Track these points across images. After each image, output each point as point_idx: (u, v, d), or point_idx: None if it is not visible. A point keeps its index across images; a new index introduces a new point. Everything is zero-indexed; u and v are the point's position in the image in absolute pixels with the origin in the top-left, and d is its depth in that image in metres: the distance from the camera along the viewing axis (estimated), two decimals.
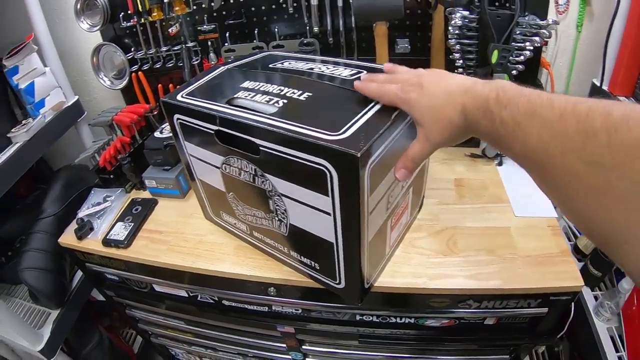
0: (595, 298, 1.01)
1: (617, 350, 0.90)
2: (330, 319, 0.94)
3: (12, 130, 1.07)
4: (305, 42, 1.03)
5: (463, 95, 0.50)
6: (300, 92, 0.66)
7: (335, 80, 0.70)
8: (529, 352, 1.06)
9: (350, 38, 1.02)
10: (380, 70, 0.69)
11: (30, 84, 1.10)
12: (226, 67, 0.83)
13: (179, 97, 0.72)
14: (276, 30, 1.05)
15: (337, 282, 0.74)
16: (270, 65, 0.81)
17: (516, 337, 0.91)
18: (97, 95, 1.39)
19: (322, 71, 0.74)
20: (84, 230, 1.02)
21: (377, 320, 0.92)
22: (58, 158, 1.46)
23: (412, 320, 0.90)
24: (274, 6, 1.02)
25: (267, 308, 0.97)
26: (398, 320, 0.91)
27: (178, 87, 0.74)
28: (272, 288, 0.88)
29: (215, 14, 1.06)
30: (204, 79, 0.79)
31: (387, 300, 0.83)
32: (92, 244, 1.00)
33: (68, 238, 1.03)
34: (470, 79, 0.52)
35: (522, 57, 0.90)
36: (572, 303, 0.81)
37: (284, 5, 1.00)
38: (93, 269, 1.08)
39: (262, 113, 0.63)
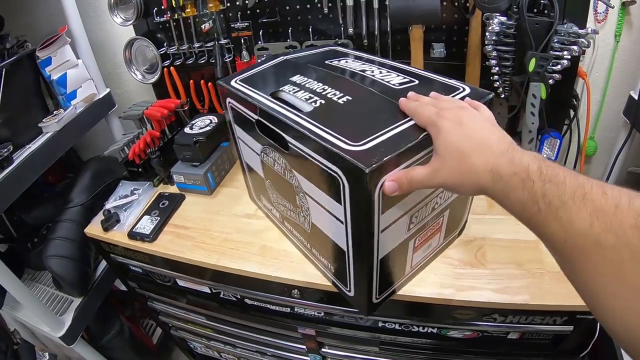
0: None
1: None
2: (351, 323, 0.96)
3: (44, 120, 1.12)
4: (339, 43, 1.04)
5: (499, 156, 0.47)
6: (341, 94, 0.68)
7: (380, 87, 0.70)
8: None
9: (385, 41, 1.02)
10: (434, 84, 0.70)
11: (62, 75, 1.14)
12: (285, 57, 0.87)
13: (232, 82, 0.78)
14: (310, 29, 1.06)
15: (348, 289, 0.75)
16: (326, 62, 0.83)
17: (538, 353, 0.91)
18: (128, 88, 1.43)
19: (373, 75, 0.75)
20: (110, 221, 1.06)
21: (399, 328, 0.93)
22: (88, 149, 1.51)
23: (435, 330, 0.91)
24: (308, 5, 1.03)
25: (289, 309, 0.99)
26: (420, 329, 0.92)
27: (235, 72, 0.82)
28: (296, 290, 0.90)
29: (249, 12, 1.08)
30: (261, 66, 0.84)
31: (411, 308, 0.84)
32: (118, 236, 1.04)
33: (94, 228, 1.07)
34: (509, 140, 0.49)
35: (559, 66, 0.89)
36: (598, 323, 0.81)
37: (319, 5, 1.02)
38: (117, 260, 1.12)
39: (298, 111, 0.65)
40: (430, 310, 0.83)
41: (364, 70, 0.77)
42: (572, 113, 1.05)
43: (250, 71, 0.83)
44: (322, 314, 0.96)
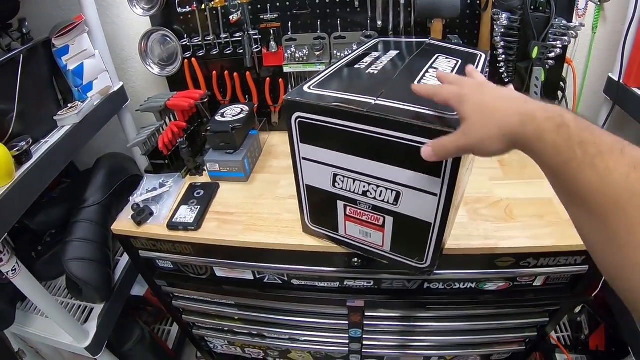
0: None
1: None
2: (399, 289, 1.15)
3: (60, 112, 1.17)
4: (367, 34, 1.25)
5: (530, 103, 0.52)
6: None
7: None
8: (565, 314, 1.34)
9: (408, 33, 1.26)
10: None
11: (79, 66, 1.21)
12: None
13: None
14: (338, 22, 1.26)
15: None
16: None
17: (559, 296, 1.18)
18: (135, 83, 1.52)
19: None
20: (143, 215, 1.14)
21: (442, 287, 1.15)
22: (83, 151, 1.53)
23: (473, 285, 1.14)
24: (338, 0, 1.24)
25: (338, 283, 1.17)
26: (461, 285, 1.14)
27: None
28: (356, 259, 1.07)
29: (278, 4, 1.26)
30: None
31: (463, 261, 1.06)
32: (154, 228, 1.13)
33: (123, 224, 1.15)
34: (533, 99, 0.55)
35: (553, 54, 1.19)
36: None
37: (349, 0, 1.23)
38: (146, 256, 1.19)
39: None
40: (476, 261, 1.06)
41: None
42: (560, 94, 1.37)
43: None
44: (372, 283, 1.15)
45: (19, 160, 1.04)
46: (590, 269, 1.08)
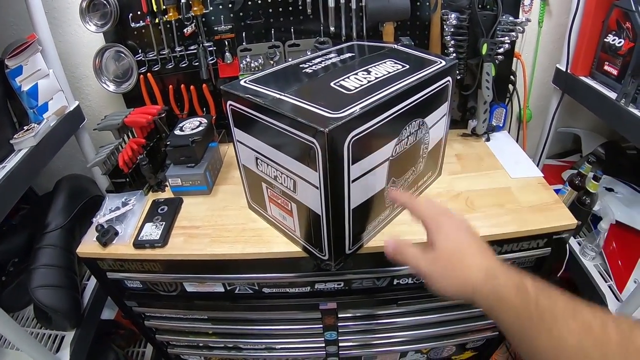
0: (579, 244, 1.42)
1: (605, 281, 1.31)
2: (369, 287, 1.21)
3: (16, 136, 1.16)
4: (320, 40, 1.31)
5: (495, 261, 0.56)
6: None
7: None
8: None
9: (360, 36, 1.32)
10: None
11: (34, 86, 1.20)
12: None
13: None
14: (292, 29, 1.32)
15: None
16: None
17: None
18: (91, 102, 1.53)
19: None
20: (108, 235, 1.14)
21: (412, 282, 1.21)
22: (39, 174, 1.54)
23: None
24: (291, 8, 1.29)
25: (309, 287, 1.21)
26: None
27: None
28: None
29: (232, 15, 1.30)
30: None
31: None
32: (121, 248, 1.14)
33: (88, 247, 1.15)
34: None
35: (502, 49, 1.28)
36: (567, 245, 1.19)
37: (301, 8, 1.28)
38: (113, 278, 1.20)
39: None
40: None
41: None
42: (511, 87, 1.47)
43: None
44: (342, 285, 1.20)
45: None
46: (552, 251, 1.16)
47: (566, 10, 1.35)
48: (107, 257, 1.16)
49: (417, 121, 1.00)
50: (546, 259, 1.20)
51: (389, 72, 0.98)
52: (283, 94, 0.90)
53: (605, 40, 1.25)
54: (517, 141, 1.57)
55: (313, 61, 1.08)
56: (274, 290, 1.23)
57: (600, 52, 1.28)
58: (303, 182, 0.89)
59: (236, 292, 1.23)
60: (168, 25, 1.31)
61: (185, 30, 1.28)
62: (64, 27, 1.38)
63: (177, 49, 1.33)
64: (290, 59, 1.36)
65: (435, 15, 1.30)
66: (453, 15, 1.25)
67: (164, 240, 1.13)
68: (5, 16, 1.32)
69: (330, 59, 1.09)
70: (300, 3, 1.28)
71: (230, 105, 0.98)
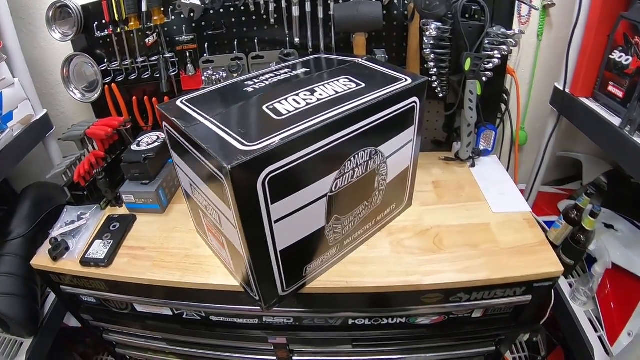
0: (570, 285, 1.10)
1: (596, 331, 0.99)
2: (322, 325, 0.97)
3: None
4: (285, 52, 1.07)
5: None
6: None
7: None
8: (512, 342, 1.13)
9: (329, 48, 1.07)
10: None
11: None
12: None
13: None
14: (256, 41, 1.08)
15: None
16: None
17: (502, 327, 0.98)
18: (65, 109, 1.35)
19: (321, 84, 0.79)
20: (58, 250, 0.99)
21: (369, 323, 0.95)
22: (21, 177, 1.40)
23: (404, 320, 0.95)
24: (254, 17, 1.05)
25: (257, 320, 0.99)
26: (390, 320, 0.95)
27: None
28: None
29: (194, 25, 1.08)
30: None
31: (380, 300, 0.88)
32: (69, 264, 0.98)
33: (41, 259, 1.00)
34: None
35: (491, 65, 0.98)
36: (553, 289, 0.89)
37: (265, 17, 1.04)
38: (68, 291, 1.05)
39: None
40: (399, 298, 0.87)
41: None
42: (503, 107, 1.15)
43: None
44: (292, 320, 0.97)
45: None
46: (533, 298, 0.88)
47: (569, 23, 1.01)
48: (57, 272, 0.99)
49: (367, 150, 0.75)
50: (526, 306, 0.91)
51: (337, 93, 0.74)
52: (207, 117, 0.70)
53: (610, 57, 0.93)
54: (508, 166, 1.25)
55: (260, 78, 0.84)
56: (222, 319, 1.01)
57: (605, 71, 0.95)
58: (224, 217, 0.69)
59: (184, 316, 1.03)
60: (131, 35, 1.10)
61: (147, 40, 1.07)
62: (37, 34, 1.21)
63: (139, 59, 1.12)
64: (254, 71, 1.11)
65: (412, 25, 1.02)
66: (433, 26, 0.97)
67: (108, 259, 0.96)
68: None
69: (281, 75, 0.85)
70: (263, 12, 1.03)
71: (165, 126, 0.78)
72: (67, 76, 1.17)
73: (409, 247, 0.90)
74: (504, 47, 0.97)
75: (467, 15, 1.00)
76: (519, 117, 1.17)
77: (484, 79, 1.00)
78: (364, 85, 0.76)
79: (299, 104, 0.70)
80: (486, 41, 0.97)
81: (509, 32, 0.96)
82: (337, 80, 0.78)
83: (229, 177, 0.57)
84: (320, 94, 0.73)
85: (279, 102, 0.71)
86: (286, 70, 0.87)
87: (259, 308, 0.83)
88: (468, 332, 0.99)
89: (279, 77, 0.83)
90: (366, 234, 0.91)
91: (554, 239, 1.11)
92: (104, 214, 1.09)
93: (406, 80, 0.77)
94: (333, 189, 0.72)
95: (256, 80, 0.83)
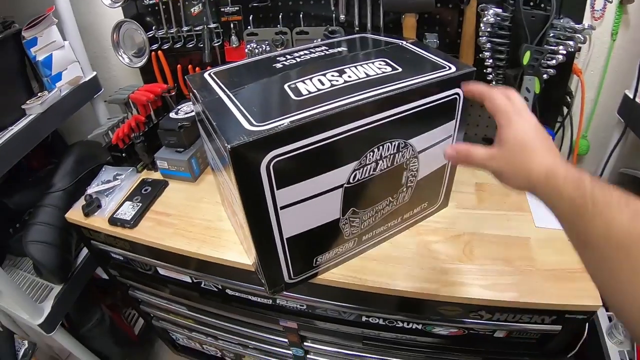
0: (610, 319, 0.95)
1: None
2: (335, 317, 0.91)
3: (27, 102, 1.05)
4: (330, 29, 0.99)
5: (557, 159, 0.49)
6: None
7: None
8: None
9: (376, 28, 0.97)
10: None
11: (48, 57, 1.07)
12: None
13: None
14: (301, 15, 1.01)
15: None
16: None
17: (525, 353, 0.87)
18: (116, 72, 1.37)
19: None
20: (91, 207, 1.01)
21: (383, 324, 0.88)
22: (73, 133, 1.44)
23: (420, 327, 0.87)
24: None
25: (271, 301, 0.94)
26: (405, 325, 0.87)
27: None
28: None
29: None
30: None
31: (396, 303, 0.80)
32: (99, 221, 0.99)
33: (75, 214, 1.02)
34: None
35: (554, 61, 0.85)
36: (587, 323, 0.77)
37: None
38: (98, 247, 1.06)
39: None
40: (416, 305, 0.79)
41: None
42: (565, 110, 1.01)
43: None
44: (305, 307, 0.92)
45: None
46: (564, 329, 0.76)
47: None
48: (87, 227, 1.01)
49: (394, 142, 0.66)
50: (555, 336, 0.79)
51: (368, 76, 0.65)
52: (227, 91, 0.65)
53: None
54: None
55: (294, 54, 0.77)
56: (237, 294, 0.98)
57: None
58: (234, 196, 0.63)
59: (202, 285, 1.01)
60: (177, 4, 1.07)
61: (192, 9, 1.03)
62: (93, 0, 1.21)
63: (185, 28, 1.09)
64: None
65: (469, 10, 0.90)
66: (491, 12, 0.85)
67: (134, 221, 0.95)
68: None
69: (315, 52, 0.77)
70: None
71: (191, 97, 0.74)
72: (116, 41, 1.17)
73: (435, 252, 0.81)
74: (571, 42, 0.83)
75: (531, 3, 0.87)
76: (581, 124, 1.01)
77: (544, 76, 0.87)
78: (400, 70, 0.67)
79: (323, 84, 0.63)
80: (550, 34, 0.84)
81: (577, 26, 0.82)
82: (372, 63, 0.69)
83: (229, 157, 0.52)
84: (349, 76, 0.65)
85: (303, 81, 0.64)
86: (323, 48, 0.79)
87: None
88: (488, 351, 0.88)
89: (312, 55, 0.76)
90: (390, 230, 0.82)
91: None
92: (139, 177, 1.09)
93: (450, 68, 0.67)
94: (351, 181, 0.65)
95: (289, 57, 0.76)
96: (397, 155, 0.68)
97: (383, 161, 0.67)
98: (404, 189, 0.75)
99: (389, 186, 0.73)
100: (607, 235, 0.40)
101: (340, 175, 0.63)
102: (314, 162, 0.59)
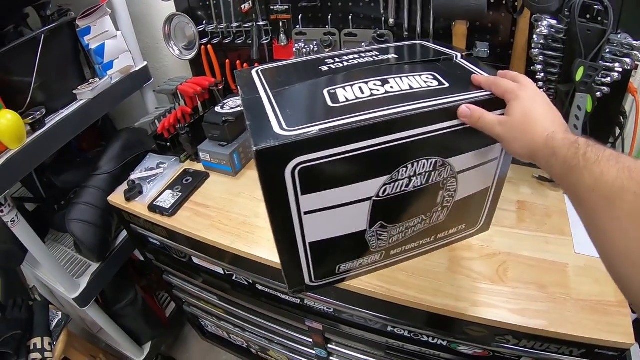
0: None
1: None
2: (360, 324, 0.91)
3: (79, 87, 1.11)
4: (378, 33, 0.97)
5: (558, 126, 0.53)
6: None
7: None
8: None
9: (426, 34, 0.95)
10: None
11: (100, 46, 1.12)
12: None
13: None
14: (350, 17, 1.00)
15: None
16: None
17: None
18: (167, 63, 1.41)
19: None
20: (133, 192, 1.05)
21: (409, 336, 0.87)
22: (123, 119, 1.50)
23: (445, 343, 0.85)
24: None
25: (299, 300, 0.96)
26: (430, 339, 0.86)
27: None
28: None
29: None
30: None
31: (422, 317, 0.78)
32: (139, 207, 1.04)
33: (117, 197, 1.08)
34: (564, 122, 0.56)
35: (608, 79, 0.80)
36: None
37: None
38: (137, 230, 1.11)
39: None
40: (442, 321, 0.77)
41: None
42: (617, 131, 0.95)
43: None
44: (332, 310, 0.92)
45: (33, 128, 1.00)
46: None
47: None
48: (127, 211, 1.07)
49: (431, 160, 0.63)
50: None
51: (411, 89, 0.62)
52: (268, 91, 0.65)
53: None
54: None
55: (343, 57, 0.75)
56: (266, 290, 1.00)
57: None
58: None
59: (233, 278, 1.04)
60: (229, 0, 1.08)
61: (243, 6, 1.04)
62: None
63: (234, 24, 1.10)
64: (345, 49, 1.04)
65: (522, 20, 0.86)
66: (545, 23, 0.81)
67: (172, 210, 0.99)
68: None
69: (364, 57, 0.75)
70: None
71: (238, 91, 0.75)
72: (168, 34, 1.20)
73: (467, 269, 0.79)
74: (628, 60, 0.77)
75: (587, 16, 0.81)
76: (634, 145, 0.95)
77: (597, 94, 0.82)
78: (447, 85, 0.63)
79: (362, 93, 0.61)
80: (607, 49, 0.78)
81: (635, 42, 0.76)
82: (419, 75, 0.66)
83: (255, 159, 0.53)
84: (392, 87, 0.62)
85: (343, 87, 0.63)
86: (374, 53, 0.77)
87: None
88: None
89: (360, 60, 0.74)
90: (422, 248, 0.79)
91: None
92: (181, 167, 1.12)
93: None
94: (380, 195, 0.63)
95: (337, 59, 0.74)
96: (433, 173, 0.65)
97: (417, 178, 0.64)
98: (439, 208, 0.72)
99: (422, 204, 0.70)
100: (594, 187, 0.42)
101: (370, 187, 0.62)
102: (342, 171, 0.58)
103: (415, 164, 0.62)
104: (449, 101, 0.59)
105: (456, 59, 0.74)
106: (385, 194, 0.64)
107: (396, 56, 0.77)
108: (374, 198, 0.63)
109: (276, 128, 0.55)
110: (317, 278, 0.74)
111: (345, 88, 0.63)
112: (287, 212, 0.60)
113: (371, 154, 0.57)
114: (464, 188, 0.71)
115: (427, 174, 0.64)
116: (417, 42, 0.86)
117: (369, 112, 0.56)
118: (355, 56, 0.76)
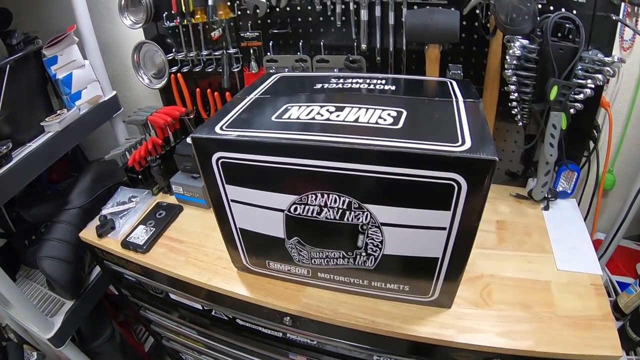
0: None
1: None
2: (345, 354, 0.87)
3: (46, 119, 1.06)
4: (351, 59, 0.96)
5: None
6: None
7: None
8: None
9: (399, 58, 0.94)
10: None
11: (68, 75, 1.08)
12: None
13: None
14: (322, 43, 0.98)
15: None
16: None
17: None
18: (137, 92, 1.37)
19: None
20: (105, 228, 1.01)
21: None
22: (95, 149, 1.45)
23: None
24: (321, 18, 0.95)
25: (281, 334, 0.92)
26: None
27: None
28: (288, 318, 0.82)
29: (259, 22, 1.01)
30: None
31: (408, 346, 0.76)
32: (112, 243, 0.99)
33: (89, 233, 1.03)
34: None
35: (582, 96, 0.80)
36: None
37: (332, 19, 0.93)
38: (111, 267, 1.06)
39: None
40: (429, 349, 0.75)
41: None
42: (591, 145, 0.96)
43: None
44: (315, 342, 0.88)
45: (0, 163, 0.94)
46: None
47: None
48: (100, 247, 1.01)
49: (343, 199, 0.61)
50: None
51: (357, 121, 0.62)
52: (255, 95, 0.75)
53: None
54: (588, 212, 1.04)
55: (347, 79, 0.79)
56: (247, 325, 0.95)
57: None
58: None
59: (213, 314, 0.99)
60: (197, 27, 1.05)
61: (212, 34, 1.02)
62: (116, 18, 1.19)
63: (204, 52, 1.07)
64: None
65: (494, 41, 0.86)
66: (518, 44, 0.80)
67: (146, 247, 0.95)
68: (61, 5, 1.17)
69: (365, 83, 0.77)
70: (329, 13, 0.92)
71: None
72: (137, 62, 1.16)
73: None
74: (600, 76, 0.78)
75: (559, 34, 0.82)
76: (608, 158, 0.96)
77: (572, 110, 0.82)
78: (399, 127, 0.59)
79: (308, 115, 0.65)
80: (579, 67, 0.79)
81: (607, 58, 0.77)
82: (383, 110, 0.64)
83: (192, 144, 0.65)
84: (338, 115, 0.64)
85: (299, 106, 0.68)
86: (380, 81, 0.78)
87: (280, 324, 0.83)
88: None
89: (357, 85, 0.77)
90: (359, 288, 0.75)
91: (623, 306, 0.91)
92: (154, 200, 1.08)
93: (463, 143, 0.54)
94: (291, 211, 0.66)
95: (340, 80, 0.79)
96: (347, 212, 0.62)
97: (329, 211, 0.63)
98: (363, 253, 0.68)
99: (340, 239, 0.67)
100: None
101: (281, 200, 0.66)
102: (256, 176, 0.65)
103: (326, 195, 0.62)
104: (376, 144, 0.55)
105: (457, 102, 0.69)
106: (297, 212, 0.66)
107: (393, 87, 0.76)
108: (285, 212, 0.67)
109: (218, 126, 0.64)
110: (252, 264, 0.82)
111: (301, 107, 0.67)
112: (218, 194, 0.69)
113: (280, 171, 0.62)
114: (394, 245, 0.65)
115: (340, 210, 0.63)
116: (447, 79, 0.81)
117: (290, 132, 0.60)
118: (359, 80, 0.78)
